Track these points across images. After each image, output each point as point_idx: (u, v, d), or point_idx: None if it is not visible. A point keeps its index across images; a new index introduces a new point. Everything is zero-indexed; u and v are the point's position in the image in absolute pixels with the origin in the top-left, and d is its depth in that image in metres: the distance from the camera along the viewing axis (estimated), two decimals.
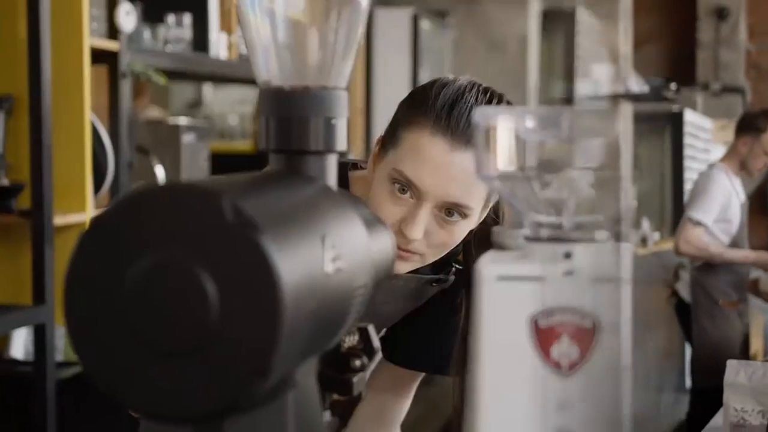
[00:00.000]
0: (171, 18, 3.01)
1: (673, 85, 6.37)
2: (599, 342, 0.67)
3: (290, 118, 0.79)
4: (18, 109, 2.42)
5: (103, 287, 0.61)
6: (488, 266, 0.69)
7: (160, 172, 2.94)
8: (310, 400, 0.72)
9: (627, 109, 5.35)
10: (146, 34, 2.93)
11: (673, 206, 6.97)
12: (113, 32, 2.65)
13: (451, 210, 1.22)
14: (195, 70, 3.13)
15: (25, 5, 2.35)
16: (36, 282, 2.32)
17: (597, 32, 7.73)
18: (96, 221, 0.62)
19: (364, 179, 1.34)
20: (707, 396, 4.15)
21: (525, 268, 0.68)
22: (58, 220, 2.40)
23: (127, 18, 2.62)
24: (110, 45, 2.63)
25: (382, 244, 0.85)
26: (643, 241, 5.64)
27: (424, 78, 5.62)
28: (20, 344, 2.68)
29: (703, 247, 4.23)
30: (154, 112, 3.85)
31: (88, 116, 2.49)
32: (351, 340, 0.85)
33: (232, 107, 5.44)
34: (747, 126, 4.30)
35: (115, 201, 0.62)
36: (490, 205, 1.30)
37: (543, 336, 0.67)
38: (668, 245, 6.40)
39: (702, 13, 8.90)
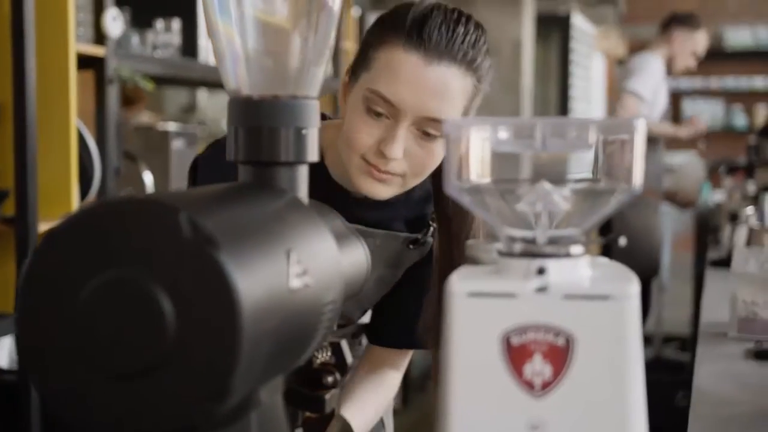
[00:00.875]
0: (160, 23, 2.99)
1: None
2: (573, 361, 0.65)
3: (260, 128, 0.77)
4: (3, 115, 2.39)
5: (55, 304, 0.59)
6: (459, 282, 0.67)
7: (148, 179, 2.91)
8: (276, 419, 0.70)
9: (530, 4, 5.34)
10: (134, 39, 2.90)
11: (559, 112, 7.12)
12: (100, 37, 2.62)
13: (428, 132, 1.21)
14: (184, 75, 3.10)
15: (9, 10, 2.32)
16: None
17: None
18: (50, 235, 0.59)
19: (332, 125, 1.33)
20: None
21: (497, 284, 0.66)
22: (43, 227, 2.37)
23: (114, 23, 2.60)
24: (97, 50, 2.61)
25: (354, 256, 0.83)
26: None
27: None
28: (5, 353, 2.65)
29: (656, 128, 4.35)
30: (146, 118, 3.83)
31: (74, 122, 2.47)
32: (323, 355, 0.83)
33: (225, 112, 5.41)
34: (682, 22, 4.41)
35: (70, 214, 0.60)
36: (473, 112, 1.29)
37: (515, 354, 0.65)
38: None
39: None
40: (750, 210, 2.98)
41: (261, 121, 0.77)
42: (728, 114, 9.96)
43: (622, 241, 3.73)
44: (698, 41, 4.42)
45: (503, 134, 0.69)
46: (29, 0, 2.32)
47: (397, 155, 1.21)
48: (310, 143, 0.79)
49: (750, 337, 1.83)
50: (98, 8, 2.61)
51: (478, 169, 0.70)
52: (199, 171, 1.35)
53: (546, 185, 0.69)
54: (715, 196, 7.67)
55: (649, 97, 4.33)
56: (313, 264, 0.69)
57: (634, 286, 0.66)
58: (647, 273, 4.39)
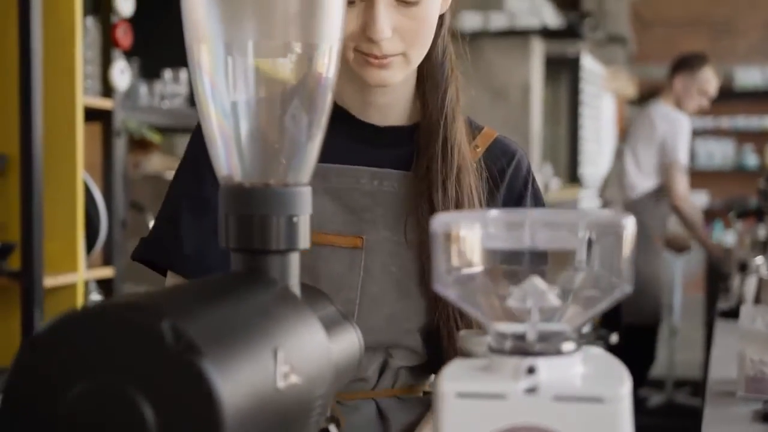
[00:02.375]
0: (168, 73, 3.00)
1: (589, 21, 6.40)
2: None
3: (251, 216, 0.76)
4: (10, 168, 2.40)
5: (37, 412, 0.58)
6: (448, 382, 0.66)
7: None
8: None
9: (540, 47, 5.33)
10: (142, 89, 2.92)
11: (569, 152, 7.12)
12: (108, 90, 2.64)
13: (407, 0, 1.14)
14: (192, 125, 3.11)
15: (18, 64, 2.34)
16: None
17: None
18: (32, 341, 0.59)
19: None
20: (634, 333, 4.17)
21: (486, 384, 0.65)
22: (49, 281, 2.37)
23: (122, 76, 2.61)
24: (104, 103, 2.62)
25: (346, 344, 0.82)
26: (545, 188, 5.72)
27: None
28: None
29: (695, 209, 4.38)
30: (159, 162, 3.84)
31: (81, 175, 2.47)
32: None
33: None
34: (683, 65, 4.43)
35: (52, 321, 0.59)
36: None
37: None
38: (569, 193, 6.49)
39: None
40: (760, 260, 2.96)
41: (252, 209, 0.77)
42: (739, 153, 9.95)
43: (614, 338, 3.73)
44: (703, 80, 4.43)
45: (492, 230, 0.68)
46: (37, 53, 2.33)
47: (385, 34, 1.13)
48: (301, 230, 0.78)
49: (758, 397, 1.81)
50: (106, 61, 2.62)
51: (467, 263, 0.69)
52: (195, 136, 1.30)
53: (536, 281, 0.68)
54: (726, 237, 7.65)
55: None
56: (301, 360, 0.68)
57: (626, 387, 0.65)
58: (652, 319, 4.37)
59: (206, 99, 0.78)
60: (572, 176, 7.19)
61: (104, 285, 2.72)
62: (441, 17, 1.23)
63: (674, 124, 4.36)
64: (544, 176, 6.08)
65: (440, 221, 0.69)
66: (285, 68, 0.78)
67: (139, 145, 3.65)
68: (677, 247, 4.92)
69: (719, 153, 9.95)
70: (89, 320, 0.59)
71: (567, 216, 0.69)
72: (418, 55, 1.18)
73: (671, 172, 4.31)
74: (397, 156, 1.25)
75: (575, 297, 0.69)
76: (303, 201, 0.78)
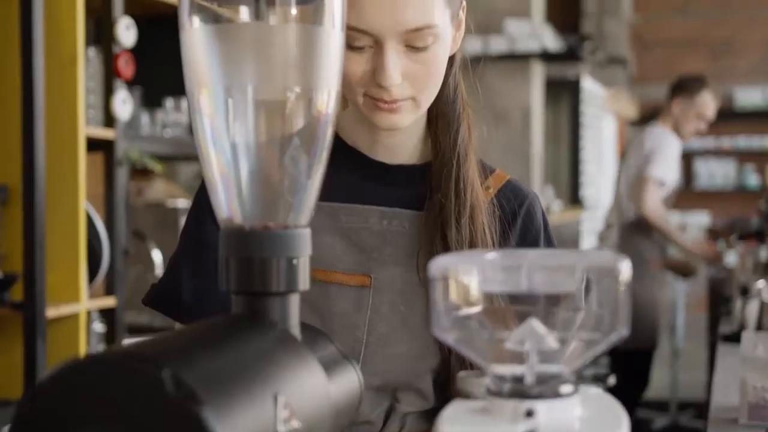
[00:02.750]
0: (169, 102, 3.02)
1: (588, 45, 6.41)
2: None
3: (251, 258, 0.77)
4: (12, 199, 2.41)
5: None
6: (447, 424, 0.66)
7: (157, 257, 2.92)
8: None
9: (540, 70, 5.34)
10: (144, 118, 2.93)
11: (570, 174, 7.13)
12: (110, 120, 2.65)
13: (416, 45, 1.13)
14: (193, 153, 3.13)
15: (20, 95, 2.36)
16: (28, 376, 2.29)
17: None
18: (34, 390, 0.60)
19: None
20: (629, 357, 4.15)
21: (485, 427, 0.66)
22: (52, 311, 2.38)
23: (124, 106, 2.62)
24: (106, 133, 2.63)
25: (345, 384, 0.82)
26: (547, 210, 5.70)
27: None
28: None
29: (664, 213, 4.34)
30: (160, 190, 3.85)
31: (83, 206, 2.48)
32: None
33: None
34: (681, 89, 4.43)
35: (53, 370, 0.60)
36: (460, 12, 1.21)
37: None
38: (571, 215, 6.51)
39: None
40: (761, 283, 2.96)
41: (252, 251, 0.77)
42: (740, 173, 9.96)
43: (612, 380, 3.73)
44: (701, 104, 4.43)
45: (489, 273, 0.68)
46: (39, 83, 2.35)
47: (394, 81, 1.12)
48: (301, 272, 0.79)
49: (761, 425, 1.80)
50: (108, 91, 2.64)
51: (464, 306, 0.70)
52: (201, 192, 1.29)
53: (534, 324, 0.69)
54: (729, 257, 7.64)
55: (671, 179, 4.33)
56: (301, 404, 0.69)
57: (624, 429, 0.65)
58: (648, 344, 4.35)
59: (206, 142, 0.79)
60: (574, 198, 7.21)
61: (106, 314, 2.73)
62: (452, 57, 1.23)
63: (660, 142, 4.38)
64: (546, 198, 6.10)
65: (438, 265, 0.69)
66: (284, 112, 0.79)
67: (141, 171, 3.67)
68: (682, 272, 4.92)
69: (720, 173, 9.97)
70: (90, 369, 0.59)
71: (564, 259, 0.70)
72: (428, 99, 1.18)
73: (642, 184, 4.31)
74: (407, 195, 1.25)
75: (573, 339, 0.69)
76: (303, 243, 0.79)
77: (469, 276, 0.69)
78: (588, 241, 7.28)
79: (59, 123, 2.46)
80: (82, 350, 2.51)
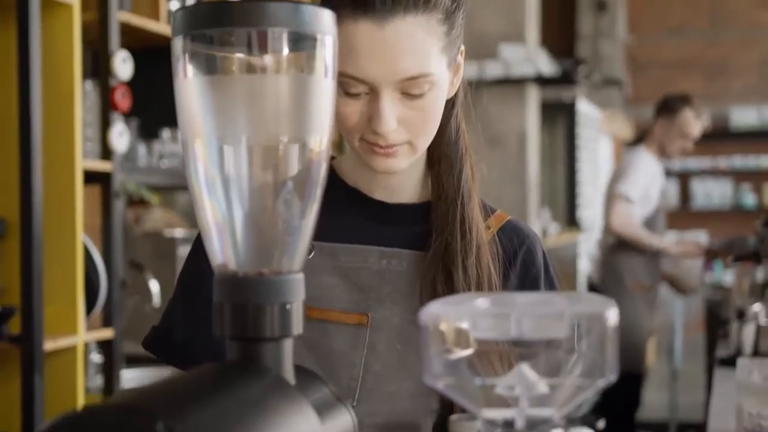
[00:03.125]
0: (166, 132, 3.04)
1: (582, 68, 6.42)
2: None
3: (245, 305, 0.78)
4: (10, 233, 2.42)
5: None
6: None
7: (154, 287, 2.93)
8: None
9: (535, 94, 5.36)
10: (141, 149, 2.95)
11: (567, 196, 7.14)
12: (107, 152, 2.67)
13: (412, 93, 1.13)
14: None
15: (18, 128, 2.37)
16: (26, 410, 2.29)
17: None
18: None
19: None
20: (618, 382, 4.12)
21: None
22: (49, 344, 2.38)
23: (121, 139, 2.64)
24: (103, 166, 2.65)
25: (339, 427, 0.83)
26: (544, 232, 5.71)
27: None
28: None
29: (634, 225, 4.30)
30: (158, 218, 3.86)
31: (81, 238, 2.49)
32: None
33: None
34: (663, 109, 4.44)
35: (48, 424, 0.61)
36: (458, 56, 1.21)
37: None
38: (568, 237, 6.51)
39: (582, 3, 9.15)
40: (757, 307, 2.96)
41: (246, 298, 0.78)
42: (737, 193, 9.99)
43: (601, 424, 3.73)
44: (682, 123, 4.43)
45: (480, 320, 0.70)
46: (37, 116, 2.36)
47: (389, 127, 1.13)
48: (294, 317, 0.80)
49: None
50: (105, 124, 2.66)
51: (455, 353, 0.71)
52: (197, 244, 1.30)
53: (525, 369, 0.70)
54: (725, 276, 7.63)
55: (639, 196, 4.29)
56: None
57: None
58: (635, 367, 4.31)
59: (200, 190, 0.80)
60: (570, 220, 7.22)
61: (104, 346, 2.73)
62: (452, 99, 1.24)
63: (632, 160, 4.39)
64: (543, 221, 6.11)
65: (428, 313, 0.70)
66: (278, 159, 0.80)
67: (139, 200, 3.68)
68: (680, 288, 4.91)
69: (717, 193, 9.99)
70: (84, 423, 0.60)
71: (553, 306, 0.71)
72: (424, 143, 1.19)
73: (609, 200, 4.32)
74: (408, 234, 1.25)
75: (563, 384, 0.70)
76: (296, 288, 0.80)
77: (460, 323, 0.70)
78: (584, 263, 7.29)
79: (57, 156, 2.47)
80: (80, 383, 2.51)
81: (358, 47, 1.11)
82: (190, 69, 0.78)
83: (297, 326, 0.80)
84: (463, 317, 0.70)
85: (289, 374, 0.79)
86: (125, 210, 2.82)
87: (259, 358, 0.78)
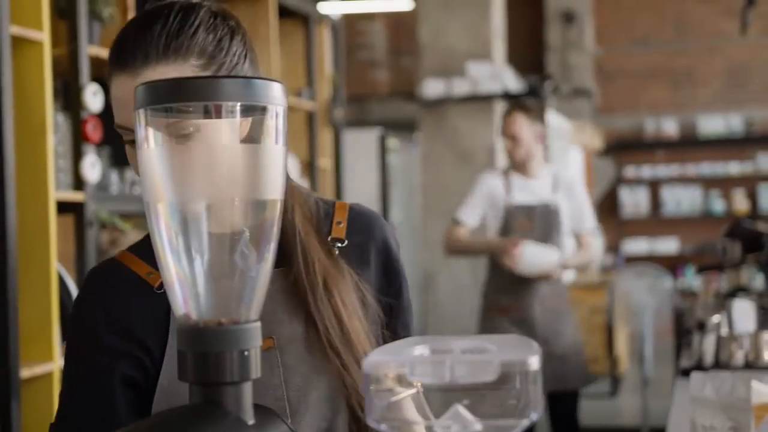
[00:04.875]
0: None
1: (549, 84, 6.47)
2: None
3: (206, 353, 0.85)
4: None
5: None
6: None
7: None
8: None
9: (503, 110, 5.41)
10: (113, 176, 3.01)
11: None
12: (79, 182, 2.72)
13: (183, 133, 1.10)
14: None
15: None
16: None
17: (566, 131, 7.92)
18: None
19: None
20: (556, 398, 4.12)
21: None
22: (25, 372, 2.44)
23: (93, 169, 2.70)
24: (76, 196, 2.70)
25: None
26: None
27: (395, 193, 5.77)
28: None
29: (455, 238, 4.10)
30: (132, 239, 3.90)
31: (55, 267, 2.55)
32: None
33: None
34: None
35: None
36: None
37: None
38: None
39: (549, 16, 9.30)
40: (716, 318, 3.04)
41: (207, 346, 0.85)
42: (706, 199, 10.14)
43: None
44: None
45: (417, 368, 0.77)
46: (10, 149, 2.42)
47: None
48: (253, 362, 0.87)
49: None
50: (77, 155, 2.72)
51: (395, 396, 0.78)
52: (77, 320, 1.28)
53: (460, 410, 0.77)
54: (695, 283, 7.74)
55: (474, 220, 4.13)
56: None
57: None
58: (577, 385, 4.25)
59: (163, 248, 0.87)
60: None
61: None
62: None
63: (473, 182, 4.24)
64: None
65: (370, 363, 0.78)
66: (234, 218, 0.88)
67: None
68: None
69: (687, 200, 10.14)
70: None
71: (483, 355, 0.78)
72: None
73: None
74: None
75: (495, 423, 0.78)
76: (253, 335, 0.87)
77: (399, 371, 0.78)
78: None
79: (30, 187, 2.53)
80: (56, 409, 2.56)
81: (120, 99, 1.18)
82: (151, 139, 0.85)
83: (255, 370, 0.87)
84: (402, 365, 0.78)
85: (249, 415, 0.86)
86: (100, 234, 2.87)
87: (221, 402, 0.85)
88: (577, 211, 4.16)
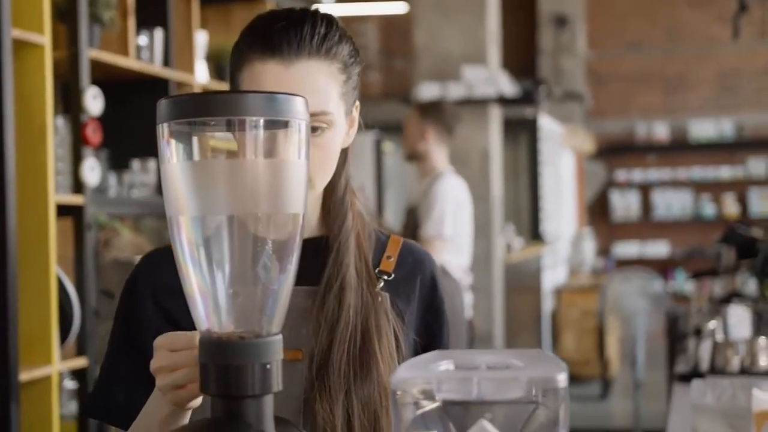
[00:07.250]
0: (136, 164, 3.10)
1: (543, 88, 6.47)
2: None
3: (228, 366, 0.85)
4: None
5: None
6: None
7: None
8: None
9: (497, 114, 5.41)
10: (112, 180, 3.00)
11: (530, 210, 7.28)
12: (78, 186, 2.72)
13: (312, 127, 1.17)
14: (159, 212, 3.20)
15: None
16: None
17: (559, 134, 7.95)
18: None
19: None
20: None
21: None
22: (24, 375, 2.43)
23: (92, 173, 2.70)
24: (75, 199, 2.70)
25: None
26: (509, 248, 5.76)
27: (389, 197, 5.77)
28: None
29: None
30: (128, 241, 3.88)
31: (54, 270, 2.54)
32: None
33: None
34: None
35: None
36: (353, 110, 1.28)
37: None
38: (531, 252, 6.61)
39: (542, 20, 9.32)
40: (712, 324, 3.05)
41: (229, 359, 0.86)
42: (697, 203, 10.17)
43: None
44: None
45: (444, 384, 0.77)
46: (10, 152, 2.41)
47: None
48: (274, 375, 0.87)
49: None
50: (76, 158, 2.71)
51: (422, 410, 0.79)
52: (129, 283, 1.30)
53: (486, 424, 0.78)
54: (686, 286, 7.75)
55: (449, 230, 3.91)
56: None
57: None
58: None
59: (186, 262, 0.88)
60: (534, 234, 7.33)
61: (78, 373, 2.78)
62: (345, 150, 1.29)
63: (430, 188, 4.07)
64: (507, 237, 6.20)
65: (398, 379, 0.78)
66: (257, 233, 0.88)
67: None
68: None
69: (678, 204, 10.16)
70: None
71: (510, 372, 0.79)
72: (323, 180, 1.24)
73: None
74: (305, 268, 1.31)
75: None
76: (275, 349, 0.88)
77: (426, 386, 0.78)
78: (548, 276, 7.41)
79: (30, 191, 2.52)
80: (56, 411, 2.56)
81: (266, 86, 1.19)
82: (174, 154, 0.85)
83: (277, 383, 0.87)
84: (430, 381, 0.78)
85: (270, 427, 0.87)
86: (96, 240, 2.87)
87: (242, 414, 0.85)
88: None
